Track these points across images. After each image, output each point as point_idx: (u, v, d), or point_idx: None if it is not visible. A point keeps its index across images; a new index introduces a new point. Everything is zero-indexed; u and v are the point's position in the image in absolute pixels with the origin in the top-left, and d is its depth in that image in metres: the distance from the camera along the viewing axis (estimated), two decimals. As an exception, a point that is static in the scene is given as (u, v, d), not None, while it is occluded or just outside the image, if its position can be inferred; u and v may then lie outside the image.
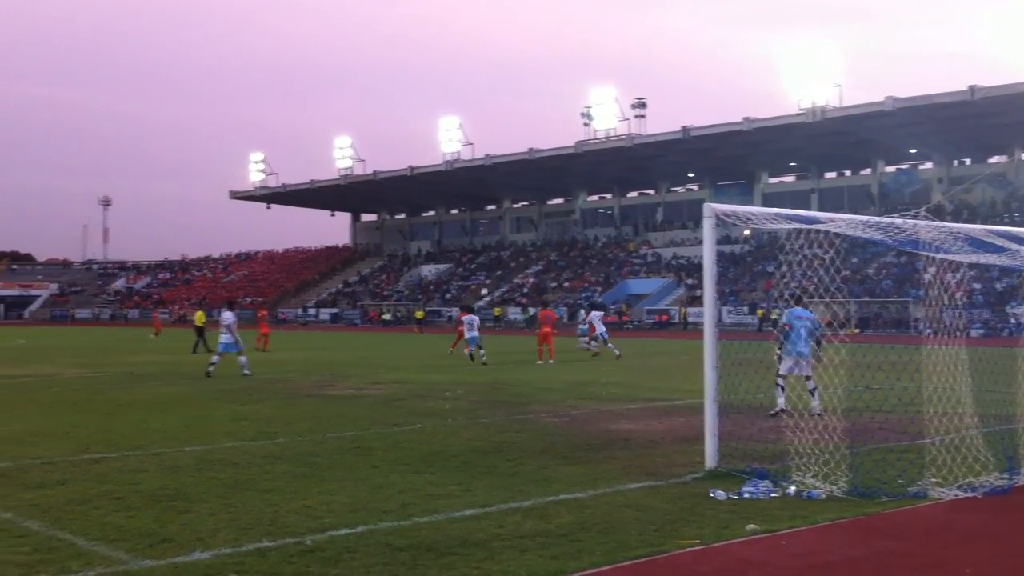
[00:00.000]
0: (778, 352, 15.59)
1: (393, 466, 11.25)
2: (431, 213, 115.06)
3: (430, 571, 6.91)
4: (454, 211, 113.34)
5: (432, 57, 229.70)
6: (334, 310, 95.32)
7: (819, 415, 13.24)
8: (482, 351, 30.39)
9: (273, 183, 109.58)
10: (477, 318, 32.57)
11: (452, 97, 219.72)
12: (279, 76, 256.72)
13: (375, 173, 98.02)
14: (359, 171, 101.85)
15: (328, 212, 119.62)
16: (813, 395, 15.16)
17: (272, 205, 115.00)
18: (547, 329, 31.09)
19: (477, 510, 8.88)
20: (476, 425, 15.08)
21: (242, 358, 25.16)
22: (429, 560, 7.18)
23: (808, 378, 15.48)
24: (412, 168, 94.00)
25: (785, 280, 11.26)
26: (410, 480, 10.34)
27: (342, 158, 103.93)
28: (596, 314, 35.35)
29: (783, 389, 15.57)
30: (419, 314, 72.08)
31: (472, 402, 18.69)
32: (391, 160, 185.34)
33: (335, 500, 9.30)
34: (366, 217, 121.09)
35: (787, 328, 15.67)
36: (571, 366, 29.35)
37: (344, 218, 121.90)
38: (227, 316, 25.45)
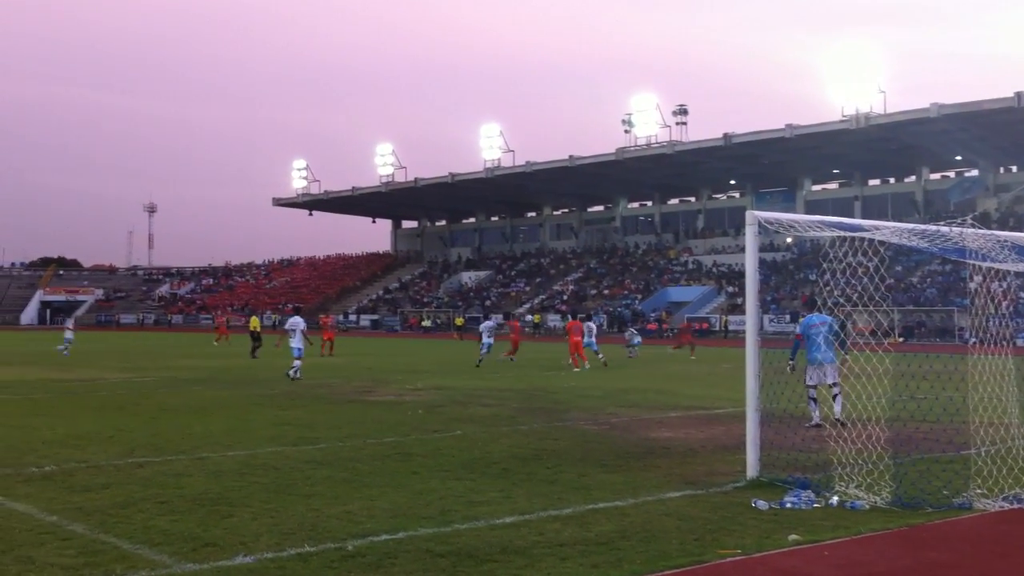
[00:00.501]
0: (791, 362, 15.42)
1: (433, 472, 11.29)
2: (471, 220, 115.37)
3: (470, 577, 6.93)
4: (494, 218, 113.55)
5: (473, 64, 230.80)
6: (374, 316, 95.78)
7: (840, 423, 13.10)
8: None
9: (315, 190, 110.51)
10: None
11: (493, 104, 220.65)
12: (322, 82, 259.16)
13: (416, 180, 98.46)
14: (400, 178, 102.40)
15: (369, 219, 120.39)
16: (835, 400, 14.98)
17: (314, 212, 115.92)
18: (576, 339, 31.51)
19: (517, 517, 8.88)
20: (515, 432, 15.09)
21: (297, 363, 25.75)
22: (469, 567, 7.19)
23: (833, 385, 15.26)
24: (453, 175, 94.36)
25: (828, 288, 11.16)
26: (450, 486, 10.37)
27: (383, 165, 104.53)
28: (590, 325, 34.92)
29: (815, 401, 15.44)
30: (459, 321, 72.20)
31: (512, 409, 18.71)
32: (432, 167, 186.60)
33: (376, 506, 9.35)
34: (407, 224, 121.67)
35: (799, 339, 15.64)
36: (610, 373, 29.27)
37: (385, 225, 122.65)
38: (296, 321, 27.13)
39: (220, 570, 7.10)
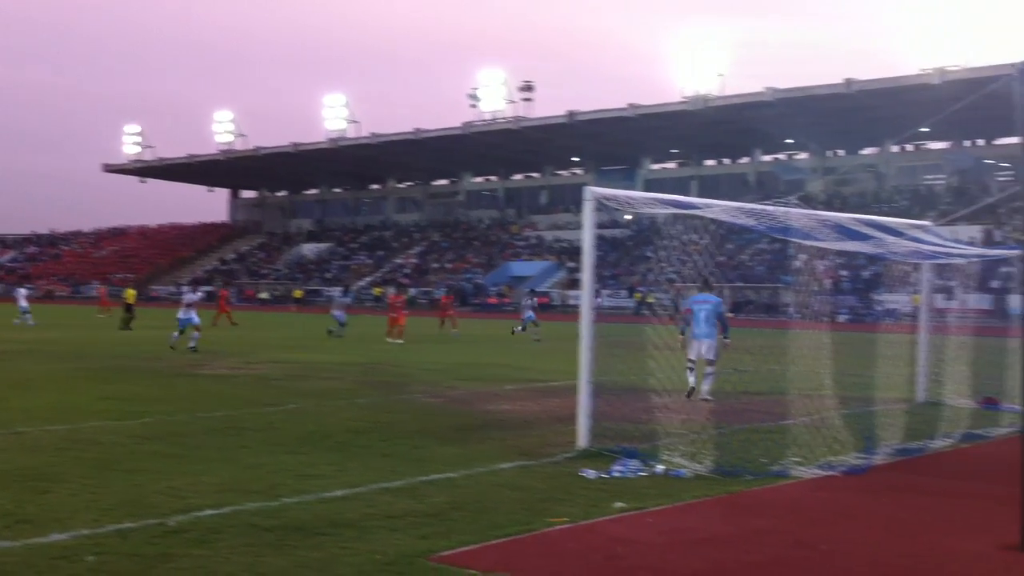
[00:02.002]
0: (681, 336, 15.81)
1: (264, 446, 11.07)
2: (314, 191, 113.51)
3: (297, 551, 6.83)
4: (337, 190, 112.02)
5: (318, 33, 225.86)
6: (209, 288, 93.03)
7: (706, 400, 13.53)
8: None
9: (149, 156, 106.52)
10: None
11: (339, 74, 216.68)
12: (158, 47, 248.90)
13: (256, 149, 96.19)
14: (240, 147, 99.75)
15: (206, 188, 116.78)
16: (706, 379, 15.40)
17: (148, 180, 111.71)
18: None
19: (349, 490, 8.81)
20: (353, 406, 14.96)
21: (196, 333, 25.75)
22: (297, 540, 7.09)
23: (710, 363, 15.63)
24: (295, 145, 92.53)
25: (662, 265, 11.47)
26: (282, 461, 10.20)
27: (222, 133, 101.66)
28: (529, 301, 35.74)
29: (692, 371, 15.71)
30: (298, 293, 71.04)
31: (350, 382, 18.55)
32: (274, 136, 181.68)
33: (202, 481, 9.10)
34: (246, 194, 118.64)
35: (688, 313, 15.92)
36: (454, 347, 29.38)
37: (223, 194, 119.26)
38: (192, 296, 27.56)
39: (32, 547, 6.79)
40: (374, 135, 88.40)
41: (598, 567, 6.69)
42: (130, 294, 40.16)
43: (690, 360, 15.79)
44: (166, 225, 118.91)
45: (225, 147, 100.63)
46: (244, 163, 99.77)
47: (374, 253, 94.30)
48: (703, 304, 15.76)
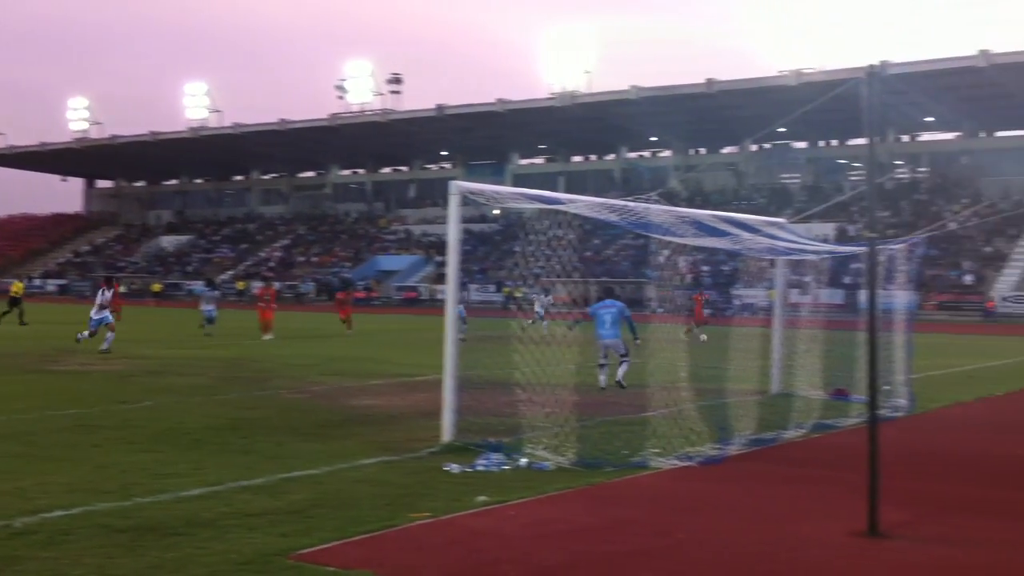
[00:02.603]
0: (569, 331, 16.44)
1: (118, 445, 10.72)
2: (174, 182, 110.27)
3: (151, 552, 6.63)
4: (199, 180, 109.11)
5: (179, 20, 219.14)
6: (62, 281, 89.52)
7: (621, 385, 13.86)
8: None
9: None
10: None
11: (200, 62, 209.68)
12: (8, 30, 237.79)
13: (113, 137, 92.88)
14: (96, 135, 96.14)
15: (59, 177, 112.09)
16: (621, 365, 16.57)
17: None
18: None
19: (206, 489, 8.61)
20: (212, 402, 14.61)
21: (110, 334, 23.56)
22: (150, 541, 6.89)
23: (623, 356, 16.85)
24: (154, 134, 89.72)
25: (530, 260, 11.54)
26: (136, 459, 9.89)
27: (77, 120, 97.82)
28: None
29: (602, 368, 17.00)
30: (156, 287, 68.96)
31: (211, 378, 18.10)
32: (132, 125, 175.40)
33: (51, 481, 8.75)
34: (102, 184, 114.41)
35: (590, 318, 17.32)
36: (320, 342, 28.98)
37: (77, 184, 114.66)
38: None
39: None
40: (237, 125, 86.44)
41: (459, 561, 6.70)
42: (18, 287, 38.30)
43: (601, 361, 17.07)
44: (17, 215, 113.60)
45: (80, 135, 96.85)
46: (100, 152, 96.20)
47: (237, 246, 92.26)
48: (609, 309, 17.03)
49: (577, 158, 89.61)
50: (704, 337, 27.92)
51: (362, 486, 8.87)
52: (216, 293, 31.57)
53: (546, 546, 7.08)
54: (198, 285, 31.55)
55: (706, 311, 32.51)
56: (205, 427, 12.16)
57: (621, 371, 16.61)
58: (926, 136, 75.10)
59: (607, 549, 7.06)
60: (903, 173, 73.93)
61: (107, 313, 23.89)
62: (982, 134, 72.43)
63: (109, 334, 23.57)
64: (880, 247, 14.60)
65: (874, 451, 7.71)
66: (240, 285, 75.78)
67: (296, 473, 9.35)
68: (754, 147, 77.38)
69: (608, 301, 17.40)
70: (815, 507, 8.59)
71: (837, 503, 8.62)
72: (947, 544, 7.38)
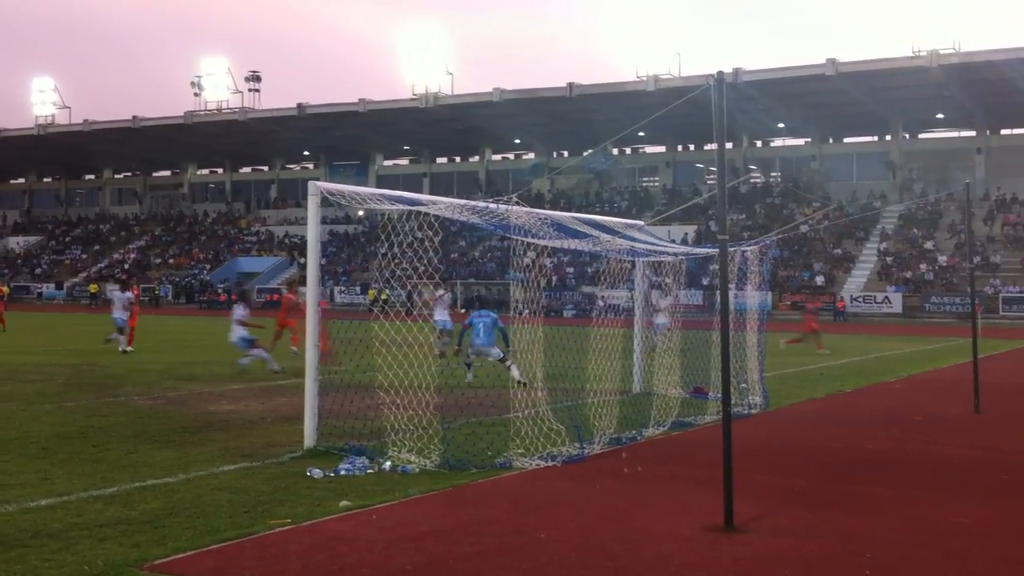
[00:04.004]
0: (457, 348, 18.11)
1: (-43, 456, 10.17)
2: (20, 180, 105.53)
3: (-8, 568, 6.32)
4: (47, 179, 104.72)
5: (22, 11, 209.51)
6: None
7: (523, 383, 13.75)
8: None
9: None
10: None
11: (47, 57, 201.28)
12: None
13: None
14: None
15: None
16: (511, 368, 16.56)
17: None
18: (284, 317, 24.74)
19: (55, 499, 8.27)
20: (61, 409, 14.01)
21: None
22: (-8, 556, 6.56)
23: (503, 360, 17.39)
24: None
25: (397, 261, 11.46)
26: (-23, 471, 9.41)
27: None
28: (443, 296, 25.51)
29: (470, 367, 18.23)
30: (3, 289, 65.91)
31: (59, 385, 17.37)
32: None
33: None
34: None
35: (466, 328, 18.03)
36: (173, 348, 28.14)
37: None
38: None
39: None
40: (87, 122, 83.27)
41: (318, 567, 6.59)
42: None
43: (468, 360, 18.27)
44: None
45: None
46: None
47: (89, 247, 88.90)
48: (483, 318, 17.75)
49: (441, 160, 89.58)
50: (826, 351, 27.40)
51: (220, 493, 8.65)
52: (129, 296, 26.03)
53: (405, 549, 7.04)
54: (115, 289, 27.80)
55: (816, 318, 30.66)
56: (53, 435, 11.66)
57: (515, 372, 16.02)
58: (778, 142, 77.86)
59: (466, 550, 7.07)
60: (757, 177, 76.48)
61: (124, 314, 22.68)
62: (830, 140, 75.51)
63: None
64: (733, 248, 15.08)
65: (728, 447, 7.93)
66: (92, 288, 73.02)
67: (150, 481, 9.06)
68: (615, 151, 78.73)
69: (484, 312, 18.16)
70: (673, 503, 8.78)
71: (694, 498, 8.84)
72: (794, 536, 7.64)
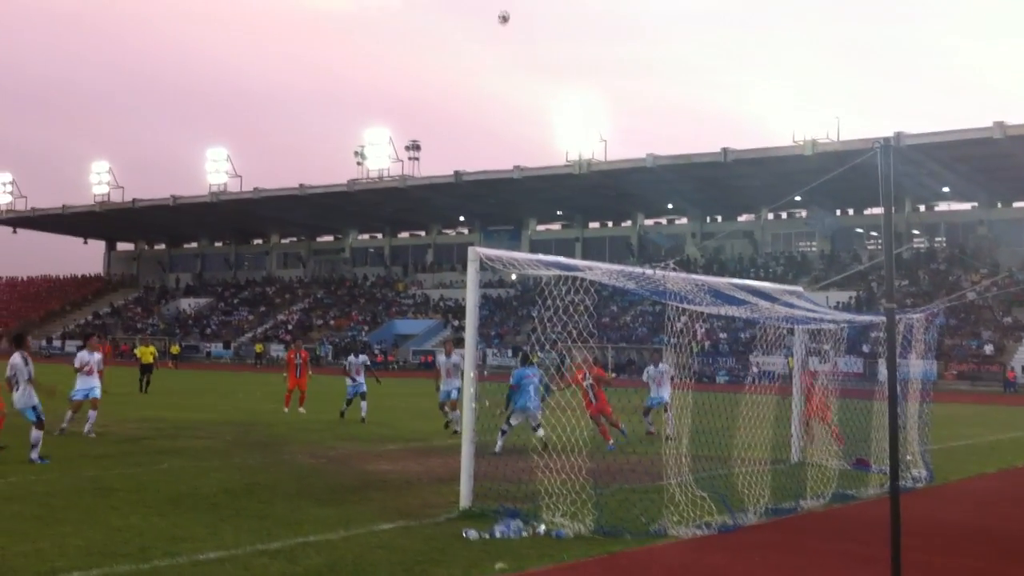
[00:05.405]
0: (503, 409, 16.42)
1: (134, 507, 10.71)
2: (193, 245, 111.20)
3: (167, 617, 6.62)
4: (218, 244, 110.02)
5: (200, 85, 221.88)
6: (81, 343, 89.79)
7: (542, 441, 13.53)
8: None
9: (21, 206, 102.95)
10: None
11: (221, 128, 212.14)
12: (34, 93, 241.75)
13: (134, 201, 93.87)
14: (117, 198, 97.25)
15: (81, 239, 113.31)
16: (536, 430, 15.89)
17: (19, 229, 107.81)
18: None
19: (223, 552, 8.59)
20: (228, 466, 14.59)
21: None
22: (167, 605, 6.87)
23: (536, 427, 16.15)
24: (175, 198, 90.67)
25: (550, 324, 11.58)
26: (152, 522, 9.88)
27: (99, 184, 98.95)
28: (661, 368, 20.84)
29: (504, 434, 16.44)
30: (175, 349, 69.25)
31: (225, 442, 18.09)
32: (153, 188, 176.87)
33: (69, 543, 8.76)
34: (122, 246, 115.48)
35: (514, 388, 16.60)
36: (331, 407, 28.91)
37: (98, 246, 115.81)
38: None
39: None
40: (257, 190, 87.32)
41: (477, 629, 6.64)
42: (147, 351, 36.94)
43: (508, 424, 16.58)
44: (38, 277, 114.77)
45: (101, 198, 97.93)
46: (121, 215, 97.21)
47: (256, 308, 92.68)
48: (531, 378, 16.49)
49: (594, 224, 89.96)
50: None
51: (379, 552, 8.83)
52: (363, 359, 24.83)
53: (563, 615, 7.02)
54: (351, 355, 25.37)
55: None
56: (221, 490, 12.14)
57: (540, 433, 15.37)
58: (943, 206, 75.18)
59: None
60: (920, 243, 73.93)
61: (95, 382, 19.10)
62: (999, 204, 72.47)
63: (91, 412, 18.82)
64: (898, 316, 14.62)
65: (896, 524, 7.64)
66: (258, 348, 75.97)
67: (313, 538, 9.32)
68: (771, 216, 77.55)
69: (530, 369, 16.65)
70: (835, 579, 8.48)
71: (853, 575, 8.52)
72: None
